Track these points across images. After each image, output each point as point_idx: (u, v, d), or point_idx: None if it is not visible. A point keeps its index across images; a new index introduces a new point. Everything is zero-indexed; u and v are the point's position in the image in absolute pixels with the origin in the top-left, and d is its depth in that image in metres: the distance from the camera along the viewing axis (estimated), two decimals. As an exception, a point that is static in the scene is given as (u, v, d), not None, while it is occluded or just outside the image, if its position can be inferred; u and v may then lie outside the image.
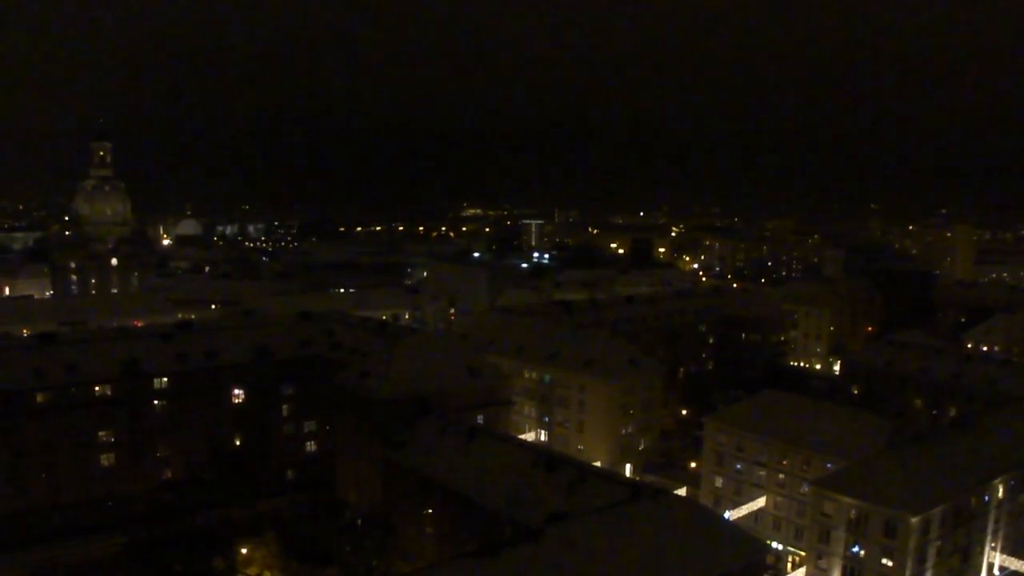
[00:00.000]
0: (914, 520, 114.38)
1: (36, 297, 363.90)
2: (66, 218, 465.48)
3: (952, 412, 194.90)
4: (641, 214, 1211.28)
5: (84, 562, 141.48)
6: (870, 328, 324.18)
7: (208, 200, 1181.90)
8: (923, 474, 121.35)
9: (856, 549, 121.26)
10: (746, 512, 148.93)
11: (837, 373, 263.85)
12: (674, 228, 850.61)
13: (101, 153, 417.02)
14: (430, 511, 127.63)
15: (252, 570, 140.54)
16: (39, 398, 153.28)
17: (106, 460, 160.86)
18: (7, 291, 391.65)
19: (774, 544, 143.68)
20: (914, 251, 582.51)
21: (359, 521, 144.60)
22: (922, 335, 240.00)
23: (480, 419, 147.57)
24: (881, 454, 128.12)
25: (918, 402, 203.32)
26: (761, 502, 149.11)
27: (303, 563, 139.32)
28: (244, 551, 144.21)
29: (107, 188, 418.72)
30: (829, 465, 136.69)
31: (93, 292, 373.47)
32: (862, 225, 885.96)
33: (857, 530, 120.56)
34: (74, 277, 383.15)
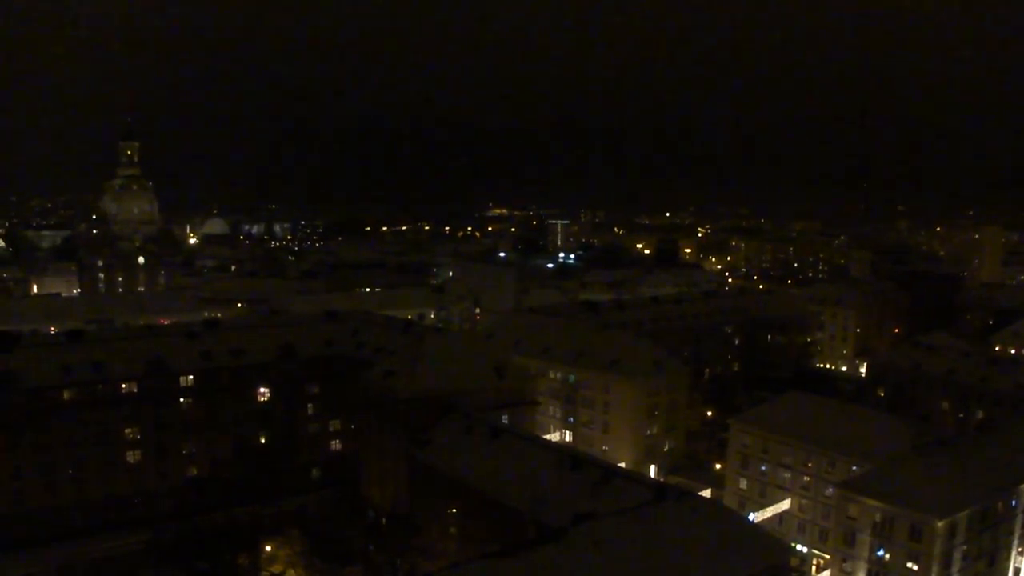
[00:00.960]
0: (940, 524, 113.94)
1: (64, 295, 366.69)
2: (94, 217, 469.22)
3: (979, 415, 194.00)
4: (667, 214, 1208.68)
5: (109, 559, 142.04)
6: (896, 330, 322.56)
7: (235, 199, 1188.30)
8: (949, 477, 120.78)
9: (881, 553, 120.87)
10: (771, 514, 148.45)
11: (863, 375, 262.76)
12: (700, 229, 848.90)
13: (129, 152, 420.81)
14: (454, 510, 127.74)
15: (276, 568, 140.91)
16: (66, 395, 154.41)
17: (132, 457, 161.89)
18: (35, 289, 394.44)
19: (799, 547, 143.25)
20: (941, 253, 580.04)
21: (383, 520, 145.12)
22: (949, 337, 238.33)
23: (505, 419, 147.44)
24: (907, 457, 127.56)
25: (944, 405, 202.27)
26: (786, 504, 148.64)
27: (327, 561, 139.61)
28: (268, 549, 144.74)
29: (134, 187, 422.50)
30: (854, 468, 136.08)
31: (120, 290, 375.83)
32: (889, 226, 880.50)
33: (882, 533, 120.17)
34: (101, 275, 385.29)
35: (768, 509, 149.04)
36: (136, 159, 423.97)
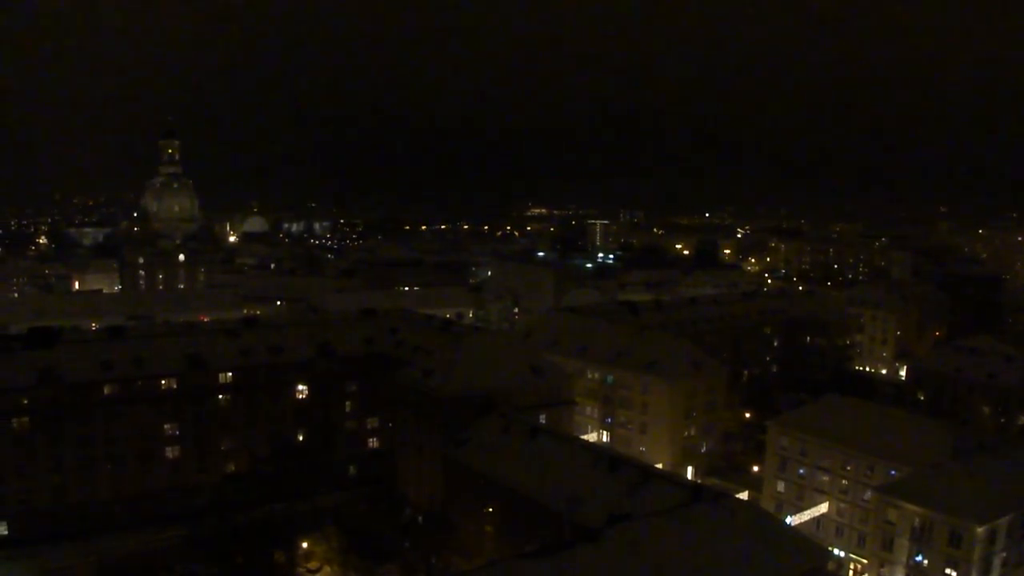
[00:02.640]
0: (980, 530, 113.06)
1: (105, 291, 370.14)
2: (135, 214, 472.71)
3: (1020, 420, 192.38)
4: (707, 215, 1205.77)
5: (147, 553, 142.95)
6: (937, 333, 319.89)
7: (275, 197, 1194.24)
8: (990, 483, 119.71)
9: (919, 558, 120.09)
10: (808, 517, 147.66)
11: (903, 378, 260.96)
12: (740, 229, 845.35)
13: (170, 151, 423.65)
14: (490, 510, 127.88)
15: (312, 564, 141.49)
16: (106, 390, 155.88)
17: (170, 453, 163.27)
18: (77, 285, 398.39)
19: (836, 551, 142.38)
20: (983, 255, 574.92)
21: (419, 518, 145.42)
22: (990, 340, 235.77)
23: (543, 419, 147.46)
24: (947, 462, 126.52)
25: (985, 409, 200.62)
26: (824, 508, 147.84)
27: (363, 558, 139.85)
28: (305, 545, 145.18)
29: (175, 185, 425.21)
30: (893, 472, 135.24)
31: (160, 287, 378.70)
32: (930, 228, 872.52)
33: (921, 539, 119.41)
34: (142, 272, 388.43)
35: (806, 512, 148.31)
36: (177, 157, 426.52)
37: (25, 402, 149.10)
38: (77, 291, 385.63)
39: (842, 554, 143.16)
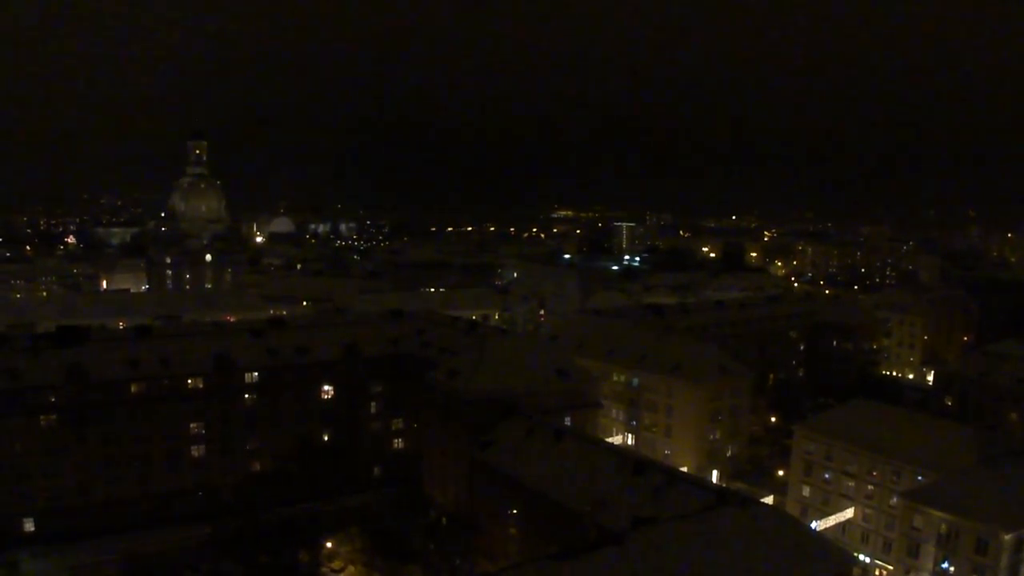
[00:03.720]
0: (1007, 537, 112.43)
1: (132, 291, 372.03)
2: (163, 215, 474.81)
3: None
4: (733, 218, 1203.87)
5: (172, 551, 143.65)
6: (965, 338, 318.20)
7: (302, 199, 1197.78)
8: (1017, 489, 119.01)
9: (946, 565, 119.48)
10: (833, 523, 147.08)
11: (930, 383, 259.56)
12: (766, 233, 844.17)
13: (197, 151, 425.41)
14: (515, 512, 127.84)
15: (336, 564, 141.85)
16: (133, 389, 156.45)
17: (196, 451, 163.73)
18: (105, 284, 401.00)
19: (861, 557, 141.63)
20: (1012, 259, 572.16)
21: (444, 519, 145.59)
22: (1020, 346, 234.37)
23: (568, 421, 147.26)
24: (974, 468, 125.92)
25: (1013, 415, 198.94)
26: (849, 513, 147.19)
27: (387, 559, 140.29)
28: (329, 545, 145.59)
29: (203, 186, 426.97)
30: (920, 478, 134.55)
31: (187, 287, 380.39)
32: (959, 232, 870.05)
33: (947, 545, 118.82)
34: (169, 272, 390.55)
35: (831, 518, 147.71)
36: (204, 158, 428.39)
37: (53, 400, 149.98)
38: (105, 290, 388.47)
39: (868, 560, 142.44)
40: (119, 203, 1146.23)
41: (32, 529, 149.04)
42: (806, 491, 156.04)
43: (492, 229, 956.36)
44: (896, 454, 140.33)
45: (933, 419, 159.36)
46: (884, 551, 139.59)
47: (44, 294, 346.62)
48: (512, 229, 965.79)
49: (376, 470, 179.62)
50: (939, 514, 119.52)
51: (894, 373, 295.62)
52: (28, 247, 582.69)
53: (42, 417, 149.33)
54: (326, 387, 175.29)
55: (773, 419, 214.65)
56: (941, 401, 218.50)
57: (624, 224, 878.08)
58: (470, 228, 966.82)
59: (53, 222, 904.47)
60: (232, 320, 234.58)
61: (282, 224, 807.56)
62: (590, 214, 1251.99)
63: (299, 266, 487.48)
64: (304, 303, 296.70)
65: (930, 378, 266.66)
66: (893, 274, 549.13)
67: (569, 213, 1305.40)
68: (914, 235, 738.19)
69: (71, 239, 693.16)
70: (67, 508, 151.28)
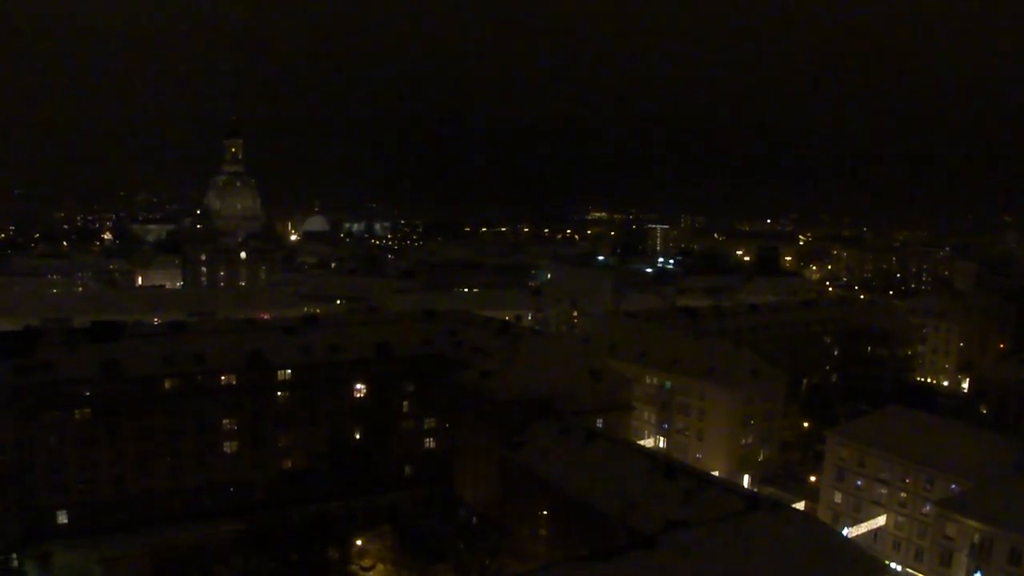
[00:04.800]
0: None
1: (167, 287, 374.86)
2: (198, 212, 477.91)
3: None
4: (768, 221, 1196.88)
5: (203, 545, 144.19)
6: (1001, 345, 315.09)
7: (336, 197, 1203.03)
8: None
9: (979, 575, 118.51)
10: (865, 530, 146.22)
11: (965, 391, 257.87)
12: (801, 236, 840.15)
13: (233, 150, 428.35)
14: (545, 513, 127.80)
15: (366, 562, 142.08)
16: (167, 384, 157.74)
17: (228, 447, 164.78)
18: (140, 281, 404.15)
19: (893, 565, 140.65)
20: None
21: (474, 519, 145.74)
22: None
23: (600, 423, 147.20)
24: (1009, 477, 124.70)
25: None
26: (881, 521, 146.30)
27: (417, 558, 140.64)
28: (359, 543, 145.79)
29: (238, 184, 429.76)
30: (953, 486, 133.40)
31: (222, 284, 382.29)
32: (996, 237, 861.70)
33: (980, 555, 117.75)
34: (204, 269, 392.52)
35: (863, 525, 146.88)
36: (240, 156, 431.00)
37: (88, 394, 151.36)
38: (140, 286, 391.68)
39: (899, 568, 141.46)
40: (155, 200, 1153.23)
41: (65, 521, 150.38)
42: (838, 497, 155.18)
43: (526, 230, 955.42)
44: (930, 462, 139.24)
45: (968, 427, 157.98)
46: (916, 560, 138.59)
47: (80, 289, 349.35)
48: (546, 230, 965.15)
49: (407, 469, 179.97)
50: (973, 523, 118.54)
51: (928, 380, 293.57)
52: (65, 243, 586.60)
53: (77, 411, 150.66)
54: (358, 385, 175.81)
55: (806, 424, 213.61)
56: (976, 409, 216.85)
57: (658, 226, 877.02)
58: (504, 228, 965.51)
59: (90, 218, 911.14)
60: (266, 317, 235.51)
61: (317, 223, 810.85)
62: (624, 216, 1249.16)
63: (333, 265, 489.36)
64: (338, 301, 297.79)
65: (965, 385, 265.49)
66: (928, 280, 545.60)
67: (603, 215, 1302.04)
68: (950, 240, 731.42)
69: (107, 235, 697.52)
70: (100, 501, 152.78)
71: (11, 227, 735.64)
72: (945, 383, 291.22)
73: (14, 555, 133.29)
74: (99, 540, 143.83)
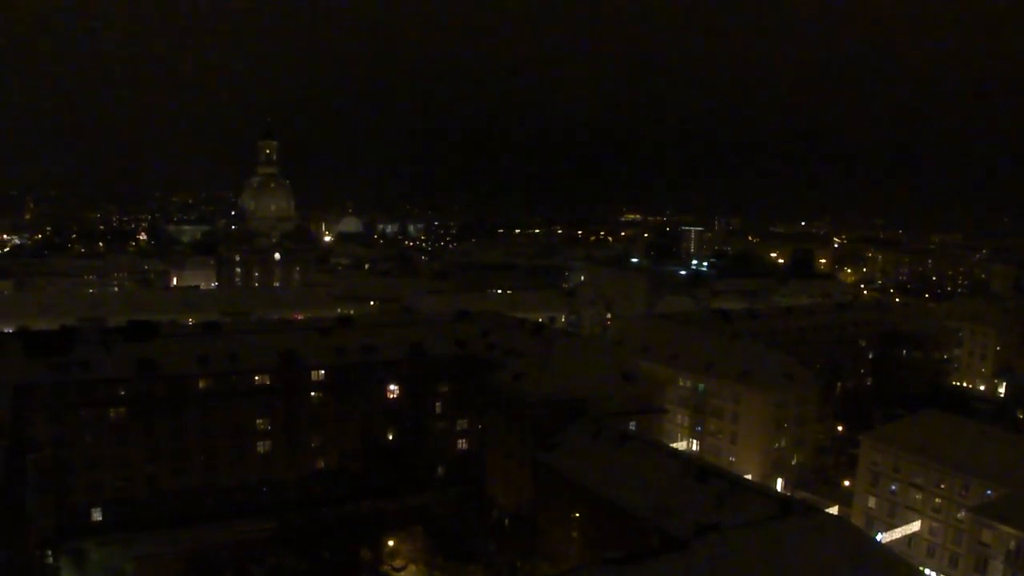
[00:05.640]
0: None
1: (202, 287, 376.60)
2: (233, 213, 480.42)
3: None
4: (803, 223, 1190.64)
5: (236, 544, 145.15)
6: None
7: (370, 198, 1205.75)
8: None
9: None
10: (899, 535, 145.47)
11: (1002, 395, 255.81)
12: (836, 239, 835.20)
13: (268, 151, 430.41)
14: (577, 515, 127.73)
15: (398, 562, 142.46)
16: (201, 384, 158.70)
17: (262, 447, 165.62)
18: (175, 281, 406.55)
19: (927, 571, 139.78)
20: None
21: (506, 520, 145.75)
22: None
23: (632, 425, 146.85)
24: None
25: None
26: (916, 526, 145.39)
27: (448, 559, 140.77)
28: (391, 543, 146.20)
29: (272, 185, 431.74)
30: (989, 492, 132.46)
31: (256, 285, 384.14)
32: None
33: (1017, 562, 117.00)
34: (238, 270, 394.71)
35: (897, 530, 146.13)
36: (274, 158, 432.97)
37: (123, 393, 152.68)
38: (175, 287, 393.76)
39: (934, 574, 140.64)
40: (190, 201, 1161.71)
41: (100, 519, 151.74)
42: (872, 502, 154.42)
43: (560, 231, 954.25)
44: (965, 467, 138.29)
45: (1004, 432, 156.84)
46: (951, 566, 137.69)
47: (116, 289, 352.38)
48: (580, 232, 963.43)
49: (440, 470, 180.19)
50: (1009, 530, 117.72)
51: (964, 384, 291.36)
52: (101, 244, 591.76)
53: (112, 409, 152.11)
54: (391, 386, 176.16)
55: (840, 428, 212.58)
56: (1013, 414, 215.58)
57: (692, 228, 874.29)
58: (538, 230, 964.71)
59: (125, 219, 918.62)
60: (299, 318, 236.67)
61: (350, 224, 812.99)
62: (658, 218, 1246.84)
63: (367, 266, 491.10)
64: (371, 302, 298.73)
65: (1001, 390, 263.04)
66: (965, 283, 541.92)
67: (637, 216, 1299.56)
68: (987, 243, 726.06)
69: (143, 236, 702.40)
70: (134, 499, 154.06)
71: (48, 228, 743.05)
72: (981, 387, 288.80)
73: (49, 552, 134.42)
74: (133, 538, 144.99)
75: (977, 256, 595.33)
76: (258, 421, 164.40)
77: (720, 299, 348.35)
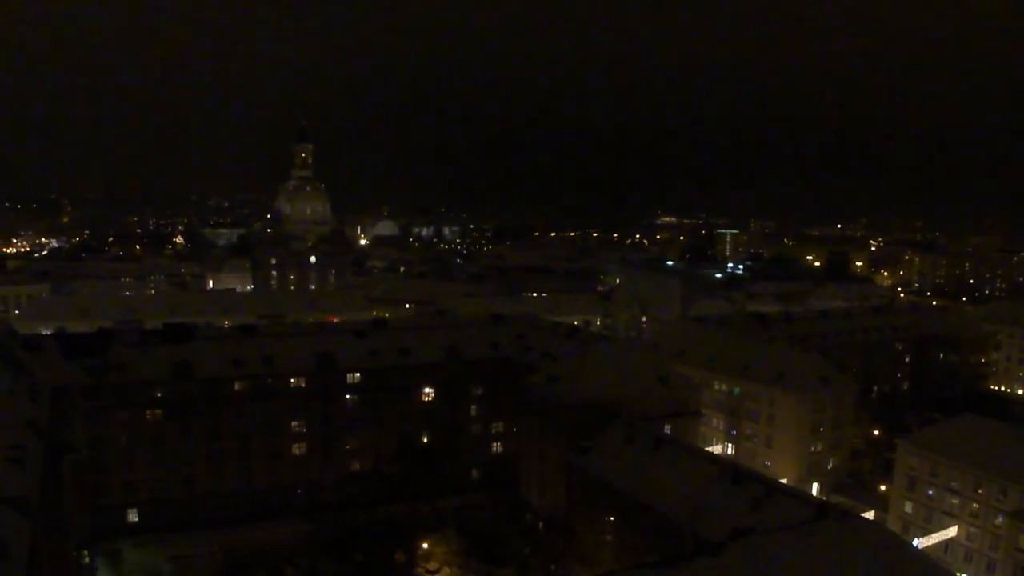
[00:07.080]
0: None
1: (238, 290, 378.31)
2: (268, 216, 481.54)
3: None
4: (839, 226, 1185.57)
5: (271, 545, 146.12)
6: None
7: (406, 201, 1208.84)
8: None
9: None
10: (936, 541, 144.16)
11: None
12: (873, 242, 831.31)
13: (303, 154, 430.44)
14: (611, 518, 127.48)
15: (432, 565, 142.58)
16: (237, 386, 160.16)
17: (297, 449, 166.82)
18: (211, 284, 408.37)
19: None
20: None
21: (540, 524, 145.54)
22: None
23: (667, 429, 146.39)
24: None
25: None
26: (952, 531, 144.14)
27: (482, 562, 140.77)
28: (425, 546, 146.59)
29: (308, 188, 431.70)
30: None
31: (292, 288, 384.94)
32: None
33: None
34: (274, 272, 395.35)
35: (934, 535, 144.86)
36: (310, 161, 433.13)
37: (159, 395, 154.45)
38: (211, 289, 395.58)
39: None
40: (226, 205, 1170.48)
41: (136, 519, 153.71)
42: (908, 507, 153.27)
43: (595, 235, 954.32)
44: (1003, 472, 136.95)
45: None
46: (988, 572, 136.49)
47: (153, 292, 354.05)
48: (615, 235, 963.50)
49: (474, 473, 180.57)
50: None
51: (1002, 388, 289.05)
52: (138, 246, 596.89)
53: (148, 411, 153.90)
54: (427, 389, 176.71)
55: (876, 432, 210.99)
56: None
57: (728, 231, 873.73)
58: (573, 233, 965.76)
59: (162, 222, 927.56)
60: (335, 321, 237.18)
61: (386, 227, 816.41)
62: (694, 221, 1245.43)
63: (402, 269, 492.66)
64: (407, 305, 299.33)
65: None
66: (1003, 286, 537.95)
67: (673, 219, 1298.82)
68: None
69: (179, 239, 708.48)
70: (170, 500, 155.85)
71: (86, 231, 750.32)
72: (1020, 391, 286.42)
73: (85, 552, 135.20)
74: (168, 538, 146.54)
75: (1015, 259, 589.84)
76: (293, 423, 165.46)
77: (755, 302, 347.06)
